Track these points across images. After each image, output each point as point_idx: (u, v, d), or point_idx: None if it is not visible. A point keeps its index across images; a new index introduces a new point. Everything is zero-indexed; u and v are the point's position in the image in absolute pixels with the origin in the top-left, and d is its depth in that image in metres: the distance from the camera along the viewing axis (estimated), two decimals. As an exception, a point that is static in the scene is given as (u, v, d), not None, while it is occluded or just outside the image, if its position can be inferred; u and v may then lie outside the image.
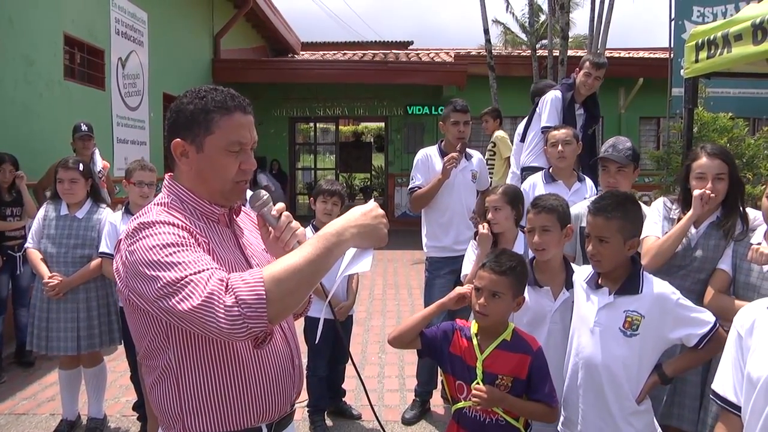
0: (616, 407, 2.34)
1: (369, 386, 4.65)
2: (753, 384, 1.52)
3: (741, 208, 2.83)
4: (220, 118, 1.59)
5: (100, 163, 5.91)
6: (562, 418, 2.52)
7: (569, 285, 2.67)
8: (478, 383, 2.30)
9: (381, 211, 1.60)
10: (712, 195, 2.76)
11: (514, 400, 2.30)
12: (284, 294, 1.39)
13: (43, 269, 3.77)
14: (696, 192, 2.79)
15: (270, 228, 1.70)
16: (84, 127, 5.73)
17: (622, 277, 2.38)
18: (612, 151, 3.25)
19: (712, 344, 2.27)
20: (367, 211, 1.58)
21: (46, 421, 4.18)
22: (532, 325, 2.65)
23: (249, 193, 1.73)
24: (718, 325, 2.30)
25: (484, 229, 3.27)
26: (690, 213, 2.79)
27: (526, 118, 5.51)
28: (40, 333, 3.82)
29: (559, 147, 3.89)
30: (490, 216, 3.29)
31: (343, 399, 4.32)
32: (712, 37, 4.34)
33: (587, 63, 4.88)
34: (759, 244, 2.62)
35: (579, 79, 4.94)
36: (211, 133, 1.59)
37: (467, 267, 3.39)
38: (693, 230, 2.86)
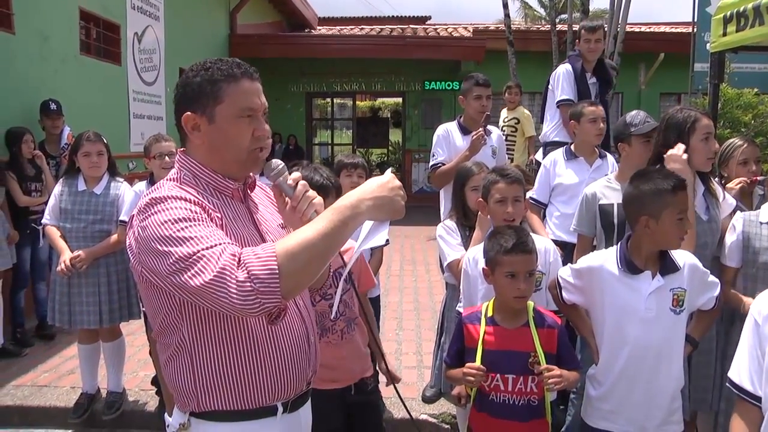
0: (671, 385, 2.33)
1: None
2: None
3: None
4: (228, 86, 1.57)
5: (64, 141, 5.75)
6: (601, 412, 2.39)
7: None
8: (539, 362, 2.26)
9: (398, 183, 1.55)
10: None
11: (570, 375, 2.29)
12: (298, 269, 1.36)
13: (62, 245, 3.79)
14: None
15: (286, 198, 1.67)
16: (53, 105, 5.64)
17: (656, 257, 2.32)
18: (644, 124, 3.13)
19: (721, 303, 2.45)
20: (384, 182, 1.52)
21: (67, 394, 4.23)
22: (487, 297, 2.60)
23: None
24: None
25: (485, 213, 3.18)
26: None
27: None
28: (62, 308, 3.86)
29: (600, 124, 3.80)
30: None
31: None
32: (741, 9, 4.15)
33: (582, 31, 5.17)
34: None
35: (581, 48, 5.13)
36: (221, 102, 1.56)
37: (450, 252, 3.27)
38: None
